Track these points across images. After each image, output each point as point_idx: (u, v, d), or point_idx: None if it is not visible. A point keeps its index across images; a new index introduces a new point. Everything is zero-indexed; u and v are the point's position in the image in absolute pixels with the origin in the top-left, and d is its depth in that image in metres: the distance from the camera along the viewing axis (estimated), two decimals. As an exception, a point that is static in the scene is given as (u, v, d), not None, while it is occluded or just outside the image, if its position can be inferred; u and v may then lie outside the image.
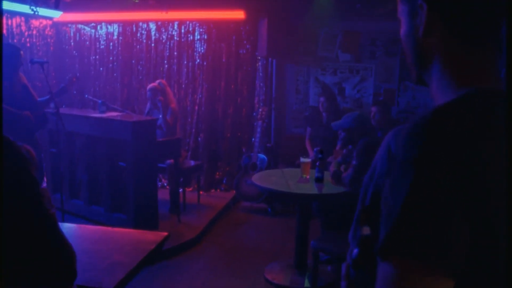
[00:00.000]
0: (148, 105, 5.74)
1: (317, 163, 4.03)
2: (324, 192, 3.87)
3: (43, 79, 6.34)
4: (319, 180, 4.01)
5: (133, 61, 6.71)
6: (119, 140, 4.67)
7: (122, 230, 2.72)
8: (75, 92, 6.85)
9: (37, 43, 6.35)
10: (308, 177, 4.16)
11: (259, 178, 4.18)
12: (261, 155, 5.93)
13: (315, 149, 5.81)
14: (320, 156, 4.07)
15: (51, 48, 6.61)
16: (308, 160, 4.21)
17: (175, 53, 6.55)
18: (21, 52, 4.42)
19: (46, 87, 4.37)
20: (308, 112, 6.48)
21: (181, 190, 5.58)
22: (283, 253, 4.61)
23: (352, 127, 4.04)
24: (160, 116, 5.53)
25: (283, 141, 6.59)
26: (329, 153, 5.71)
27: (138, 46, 6.67)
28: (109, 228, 2.77)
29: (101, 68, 6.80)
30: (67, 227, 2.73)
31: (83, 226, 2.80)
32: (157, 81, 5.64)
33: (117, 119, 4.71)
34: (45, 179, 5.61)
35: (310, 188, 3.94)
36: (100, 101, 5.19)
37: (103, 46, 6.76)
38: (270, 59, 6.41)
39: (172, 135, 5.58)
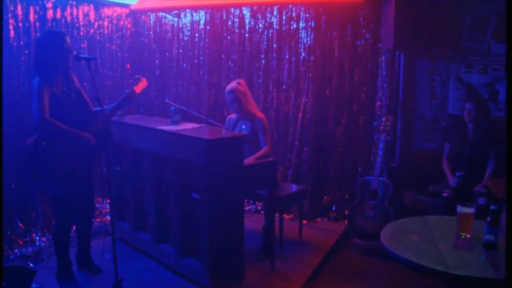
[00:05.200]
0: (231, 118, 4.74)
1: (488, 219, 2.75)
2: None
3: (112, 77, 5.57)
4: (490, 245, 2.73)
5: (223, 56, 5.71)
6: (192, 163, 3.68)
7: None
8: (155, 93, 5.97)
9: (109, 36, 5.49)
10: (469, 236, 2.90)
11: (391, 237, 2.98)
12: (383, 179, 4.68)
13: (457, 174, 4.51)
14: (494, 208, 2.76)
15: (127, 41, 5.73)
16: (470, 210, 2.94)
17: (275, 45, 5.45)
18: (67, 39, 3.49)
19: (93, 91, 3.43)
20: (447, 123, 5.13)
21: (277, 216, 4.53)
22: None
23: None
24: (243, 126, 4.57)
25: (410, 159, 5.28)
26: (477, 181, 4.41)
27: (228, 37, 5.65)
28: None
29: (184, 65, 5.85)
30: None
31: None
32: (235, 81, 4.65)
33: (188, 135, 3.69)
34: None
35: (477, 262, 2.67)
36: (172, 108, 4.20)
37: (187, 38, 5.79)
38: (397, 52, 5.11)
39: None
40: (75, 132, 3.44)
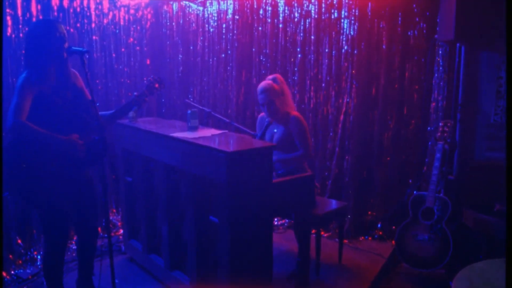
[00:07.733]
0: (264, 117, 4.09)
1: None
2: None
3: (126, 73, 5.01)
4: None
5: (254, 49, 5.11)
6: (210, 180, 3.08)
7: None
8: (177, 91, 5.41)
9: (126, 27, 4.96)
10: None
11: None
12: (440, 196, 3.97)
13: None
14: None
15: (147, 33, 5.17)
16: None
17: (312, 37, 4.81)
18: (61, 27, 3.00)
19: (91, 90, 2.89)
20: (517, 128, 4.36)
21: (313, 233, 4.00)
22: None
23: None
24: (275, 130, 3.96)
25: (471, 171, 4.52)
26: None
27: (260, 28, 5.04)
28: None
29: (210, 60, 5.26)
30: None
31: None
32: (271, 77, 4.00)
33: (204, 145, 3.07)
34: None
35: None
36: (189, 111, 3.61)
37: (213, 29, 5.20)
38: (457, 45, 4.38)
39: (299, 164, 3.93)
40: (56, 137, 2.90)
